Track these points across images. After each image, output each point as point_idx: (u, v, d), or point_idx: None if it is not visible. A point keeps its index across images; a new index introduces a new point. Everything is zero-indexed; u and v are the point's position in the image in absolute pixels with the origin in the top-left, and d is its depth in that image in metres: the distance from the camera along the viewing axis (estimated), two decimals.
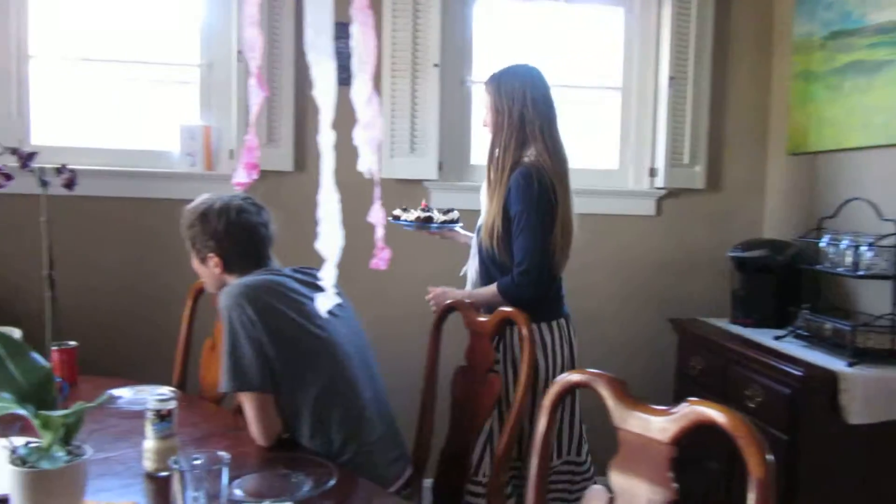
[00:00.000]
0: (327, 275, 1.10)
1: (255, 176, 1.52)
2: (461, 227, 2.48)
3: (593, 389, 1.24)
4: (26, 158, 1.17)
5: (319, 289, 1.87)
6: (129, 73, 3.01)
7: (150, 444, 1.50)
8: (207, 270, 1.90)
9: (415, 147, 3.00)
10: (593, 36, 3.32)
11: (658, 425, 1.12)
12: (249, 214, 1.87)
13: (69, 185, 1.21)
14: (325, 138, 1.04)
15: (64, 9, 2.93)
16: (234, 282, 1.80)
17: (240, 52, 2.84)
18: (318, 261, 0.99)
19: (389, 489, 1.79)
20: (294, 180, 2.95)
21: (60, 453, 1.18)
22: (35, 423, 1.21)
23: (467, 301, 2.14)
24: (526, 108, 2.14)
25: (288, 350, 1.72)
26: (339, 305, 1.94)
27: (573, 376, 1.30)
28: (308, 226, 2.59)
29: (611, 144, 3.30)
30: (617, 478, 1.17)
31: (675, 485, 1.10)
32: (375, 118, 1.12)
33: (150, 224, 2.86)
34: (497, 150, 2.18)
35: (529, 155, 2.14)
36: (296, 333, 1.76)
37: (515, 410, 1.85)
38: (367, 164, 1.19)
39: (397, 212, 2.45)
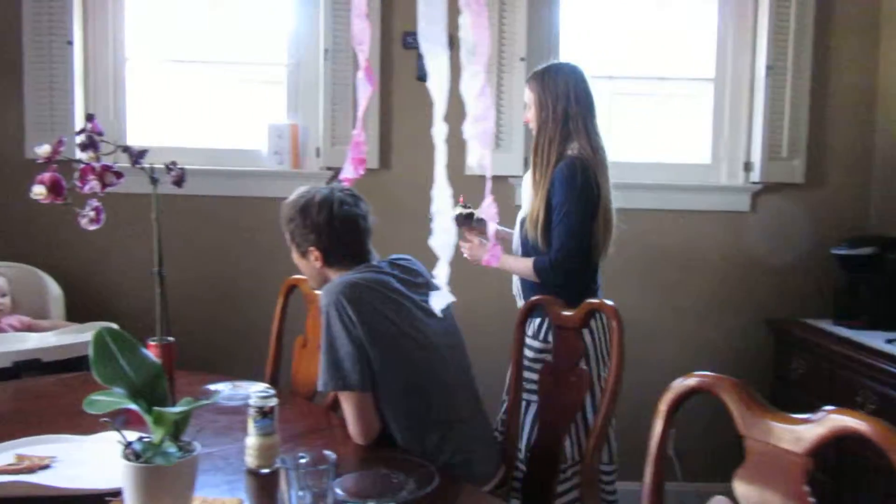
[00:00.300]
0: (441, 272, 1.06)
1: (362, 171, 1.51)
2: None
3: (715, 395, 1.16)
4: (137, 156, 1.17)
5: (418, 287, 1.89)
6: (219, 74, 3.07)
7: (252, 440, 1.50)
8: (308, 265, 1.89)
9: (500, 142, 2.95)
10: (684, 26, 3.19)
11: (792, 435, 1.04)
12: (349, 206, 1.85)
13: (179, 182, 1.21)
14: (439, 131, 1.00)
15: (158, 12, 3.01)
16: (335, 279, 1.79)
17: (326, 51, 2.85)
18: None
19: (485, 489, 1.75)
20: (379, 178, 2.95)
21: (172, 449, 1.19)
22: (147, 419, 1.22)
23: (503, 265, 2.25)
24: (570, 105, 2.21)
25: (385, 351, 1.71)
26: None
27: (691, 381, 1.22)
28: (393, 224, 2.63)
29: (703, 138, 3.17)
30: (744, 488, 1.10)
31: (811, 500, 1.01)
32: (488, 111, 1.08)
33: (242, 221, 2.90)
34: (542, 145, 2.23)
35: (572, 149, 2.19)
36: (394, 334, 1.74)
37: (607, 400, 1.77)
38: (477, 158, 1.14)
39: (461, 209, 2.40)
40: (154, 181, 1.19)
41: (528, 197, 2.28)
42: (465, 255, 2.33)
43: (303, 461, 1.27)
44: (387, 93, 2.92)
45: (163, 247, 2.85)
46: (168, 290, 2.89)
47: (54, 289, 2.79)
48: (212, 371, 2.28)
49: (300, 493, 1.25)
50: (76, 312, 2.82)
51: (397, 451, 1.67)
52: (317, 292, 1.88)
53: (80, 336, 2.54)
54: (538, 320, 2.20)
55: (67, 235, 2.94)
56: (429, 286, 1.92)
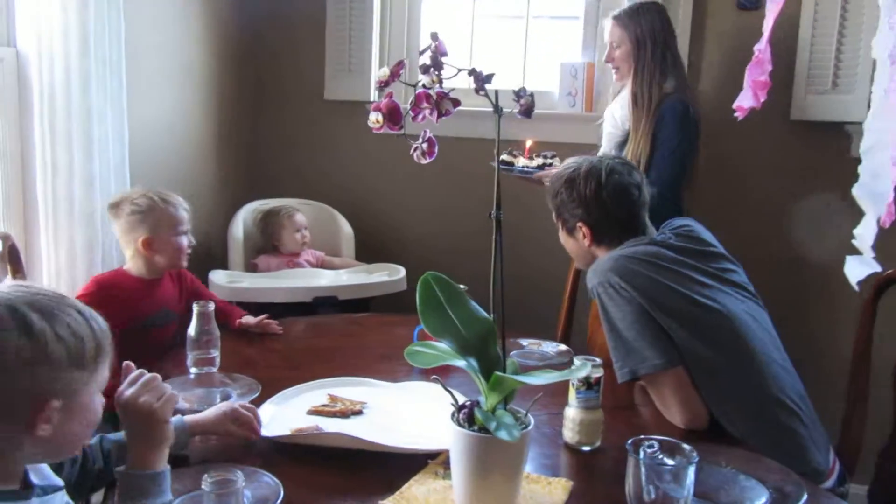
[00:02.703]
0: (866, 232, 0.77)
1: (763, 98, 1.24)
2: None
3: None
4: (484, 80, 0.99)
5: (706, 256, 1.57)
6: (513, 10, 2.89)
7: (573, 413, 1.32)
8: (576, 243, 1.70)
9: (838, 81, 2.45)
10: None
11: None
12: (620, 175, 1.62)
13: (528, 111, 1.02)
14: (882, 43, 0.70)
15: None
16: (602, 257, 1.57)
17: None
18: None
19: (825, 485, 1.46)
20: None
21: (509, 419, 1.03)
22: (479, 382, 1.08)
23: None
24: (666, 43, 2.24)
25: (677, 324, 1.45)
26: (733, 272, 1.63)
27: None
28: (694, 171, 2.19)
29: None
30: None
31: None
32: None
33: None
34: (643, 85, 2.22)
35: (669, 86, 2.21)
36: (682, 306, 1.47)
37: None
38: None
39: (506, 157, 2.31)
40: (498, 110, 1.01)
41: (610, 132, 2.32)
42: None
43: (651, 451, 1.06)
44: (699, 21, 2.55)
45: (434, 191, 2.80)
46: (442, 238, 2.84)
47: (346, 228, 2.86)
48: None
49: (648, 488, 1.04)
50: (364, 252, 2.86)
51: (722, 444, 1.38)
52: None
53: (374, 277, 2.57)
54: None
55: (361, 176, 3.00)
56: (721, 256, 1.64)
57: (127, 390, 1.02)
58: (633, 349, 1.45)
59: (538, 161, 2.27)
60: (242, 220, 2.74)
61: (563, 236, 1.74)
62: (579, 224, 1.65)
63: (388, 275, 2.58)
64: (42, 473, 0.92)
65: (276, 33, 3.01)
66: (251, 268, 2.67)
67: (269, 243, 2.77)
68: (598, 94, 2.71)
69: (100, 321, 0.93)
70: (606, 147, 2.37)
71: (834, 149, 2.49)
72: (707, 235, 1.69)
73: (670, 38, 2.26)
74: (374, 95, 2.91)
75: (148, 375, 1.04)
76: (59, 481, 0.94)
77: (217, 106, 2.83)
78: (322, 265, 2.75)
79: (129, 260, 1.91)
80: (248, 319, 1.95)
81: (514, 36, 2.87)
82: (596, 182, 1.61)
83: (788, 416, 1.48)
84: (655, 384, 1.48)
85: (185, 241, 1.90)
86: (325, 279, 2.52)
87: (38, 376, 0.84)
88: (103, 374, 0.92)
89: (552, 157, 2.28)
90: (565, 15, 2.84)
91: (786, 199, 2.54)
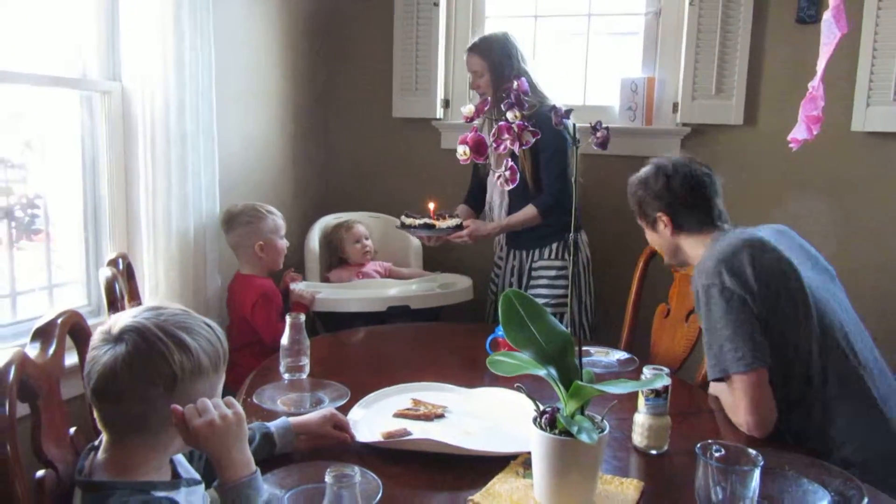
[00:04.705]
0: None
1: (816, 131, 1.32)
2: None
3: None
4: (563, 115, 1.10)
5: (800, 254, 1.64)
6: (575, 28, 2.99)
7: (642, 419, 1.41)
8: (659, 236, 1.81)
9: (871, 95, 2.47)
10: None
11: None
12: (685, 166, 1.76)
13: (604, 143, 1.12)
14: None
15: None
16: (708, 255, 1.64)
17: None
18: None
19: None
20: (742, 135, 2.66)
21: (587, 424, 1.13)
22: (559, 390, 1.19)
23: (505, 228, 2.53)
24: (520, 66, 2.47)
25: (782, 310, 1.53)
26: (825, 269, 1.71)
27: None
28: (752, 190, 2.31)
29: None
30: None
31: None
32: None
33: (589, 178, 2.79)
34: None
35: (531, 101, 2.35)
36: (779, 288, 1.54)
37: None
38: None
39: (403, 218, 2.50)
40: (576, 142, 1.12)
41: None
42: (467, 240, 2.47)
43: (720, 455, 1.15)
44: (759, 36, 2.60)
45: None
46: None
47: (414, 240, 2.98)
48: None
49: (716, 488, 1.13)
50: (430, 264, 2.98)
51: (789, 452, 1.45)
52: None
53: (446, 288, 2.67)
54: None
55: (427, 190, 3.12)
56: (815, 258, 1.71)
57: (188, 427, 0.99)
58: (724, 349, 1.52)
59: (452, 221, 2.47)
60: (317, 233, 2.90)
61: (648, 235, 1.86)
62: (659, 214, 1.77)
63: (457, 285, 2.69)
64: (185, 466, 1.07)
65: (347, 55, 3.18)
66: (325, 281, 2.82)
67: (335, 256, 2.92)
68: (657, 107, 2.79)
69: (217, 328, 1.07)
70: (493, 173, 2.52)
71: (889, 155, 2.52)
72: (799, 238, 1.76)
73: (522, 61, 2.48)
74: (439, 113, 3.05)
75: (189, 406, 1.00)
76: (198, 476, 1.09)
77: (292, 126, 3.00)
78: (390, 275, 2.89)
79: (246, 264, 2.37)
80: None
81: (575, 53, 2.97)
82: (665, 174, 1.76)
83: (876, 417, 1.51)
84: (733, 386, 1.53)
85: (285, 244, 2.43)
86: (396, 289, 2.65)
87: (195, 383, 0.99)
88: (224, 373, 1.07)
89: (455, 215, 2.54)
90: (625, 31, 2.93)
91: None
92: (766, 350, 1.50)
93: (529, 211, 2.47)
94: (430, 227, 2.45)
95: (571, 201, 2.21)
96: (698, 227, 1.73)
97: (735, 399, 1.54)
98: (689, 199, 1.73)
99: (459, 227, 2.48)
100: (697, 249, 1.72)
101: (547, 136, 2.27)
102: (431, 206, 2.55)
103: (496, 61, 2.46)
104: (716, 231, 1.71)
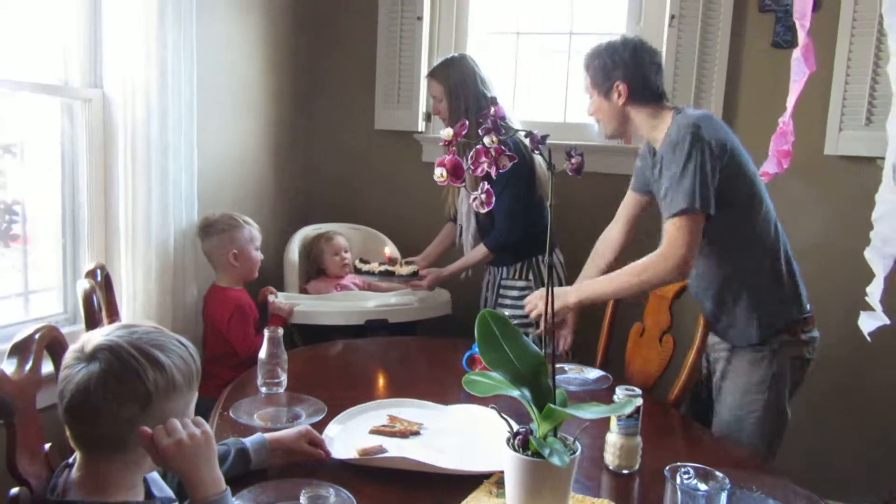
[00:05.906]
0: (875, 289, 0.87)
1: (786, 165, 1.36)
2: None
3: None
4: (538, 141, 1.13)
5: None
6: (556, 46, 3.03)
7: (614, 438, 1.44)
8: (609, 105, 1.91)
9: (871, 119, 2.53)
10: None
11: None
12: (650, 47, 1.90)
13: (578, 170, 1.15)
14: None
15: None
16: (678, 120, 1.78)
17: (672, 18, 2.66)
18: None
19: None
20: None
21: (559, 445, 1.15)
22: (533, 412, 1.20)
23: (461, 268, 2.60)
24: (477, 89, 2.48)
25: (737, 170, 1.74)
26: None
27: None
28: None
29: None
30: None
31: None
32: None
33: (576, 197, 2.81)
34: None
35: None
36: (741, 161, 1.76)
37: None
38: None
39: (358, 264, 2.65)
40: (551, 167, 1.14)
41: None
42: (425, 288, 2.61)
43: (689, 481, 1.18)
44: (735, 60, 2.66)
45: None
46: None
47: (393, 251, 2.99)
48: None
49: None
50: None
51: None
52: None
53: (424, 302, 2.68)
54: None
55: (408, 202, 3.14)
56: None
57: (157, 448, 0.99)
58: (692, 188, 1.69)
59: (408, 269, 2.59)
60: (297, 244, 2.90)
61: (595, 104, 1.94)
62: (617, 83, 1.87)
63: (436, 299, 2.70)
64: (159, 485, 1.08)
65: (330, 66, 3.19)
66: (303, 293, 2.81)
67: (315, 267, 2.92)
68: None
69: (190, 345, 1.08)
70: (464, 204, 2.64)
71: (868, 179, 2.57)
72: None
73: (482, 84, 2.49)
74: (421, 126, 3.07)
75: (158, 427, 1.00)
76: (172, 494, 1.09)
77: (274, 136, 3.01)
78: (369, 287, 2.88)
79: (221, 274, 2.37)
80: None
81: (557, 70, 3.01)
82: (633, 46, 1.88)
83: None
84: (682, 221, 1.71)
85: (260, 256, 2.43)
86: (374, 301, 2.65)
87: (169, 401, 0.99)
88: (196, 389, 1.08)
89: (410, 262, 2.68)
90: None
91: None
92: (712, 201, 1.70)
93: (480, 250, 2.56)
94: (390, 273, 2.59)
95: (517, 236, 2.30)
96: (652, 99, 1.87)
97: (677, 236, 1.72)
98: (651, 74, 1.87)
99: (415, 275, 2.59)
100: (645, 120, 1.87)
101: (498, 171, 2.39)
102: (387, 250, 2.70)
103: (451, 87, 2.48)
104: (670, 108, 1.87)
